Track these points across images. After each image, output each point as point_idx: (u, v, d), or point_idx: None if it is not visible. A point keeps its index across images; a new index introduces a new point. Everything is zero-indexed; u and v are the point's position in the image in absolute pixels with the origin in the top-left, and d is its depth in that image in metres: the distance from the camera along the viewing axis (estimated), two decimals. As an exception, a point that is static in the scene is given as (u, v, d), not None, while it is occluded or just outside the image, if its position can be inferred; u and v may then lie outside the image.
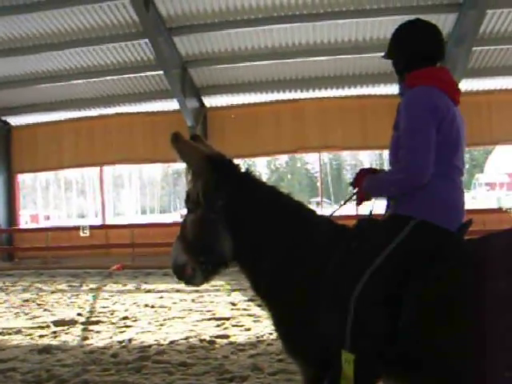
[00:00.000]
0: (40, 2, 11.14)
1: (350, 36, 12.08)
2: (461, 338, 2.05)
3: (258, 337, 5.99)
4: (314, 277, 2.34)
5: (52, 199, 50.43)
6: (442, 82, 2.40)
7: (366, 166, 51.35)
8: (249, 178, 2.64)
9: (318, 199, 40.98)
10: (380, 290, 2.16)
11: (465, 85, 12.60)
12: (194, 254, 2.55)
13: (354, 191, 2.58)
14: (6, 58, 13.10)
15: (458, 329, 2.05)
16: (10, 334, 6.75)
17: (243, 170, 2.65)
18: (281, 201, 2.61)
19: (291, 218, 2.53)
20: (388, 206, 2.51)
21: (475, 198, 30.76)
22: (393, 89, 12.25)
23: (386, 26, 11.01)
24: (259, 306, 6.74)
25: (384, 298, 2.15)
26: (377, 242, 2.27)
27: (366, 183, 2.48)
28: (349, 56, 12.63)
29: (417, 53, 2.46)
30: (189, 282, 2.64)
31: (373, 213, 2.54)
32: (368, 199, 2.55)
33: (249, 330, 6.37)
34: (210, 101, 14.73)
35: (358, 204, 2.56)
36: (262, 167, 57.61)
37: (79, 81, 13.90)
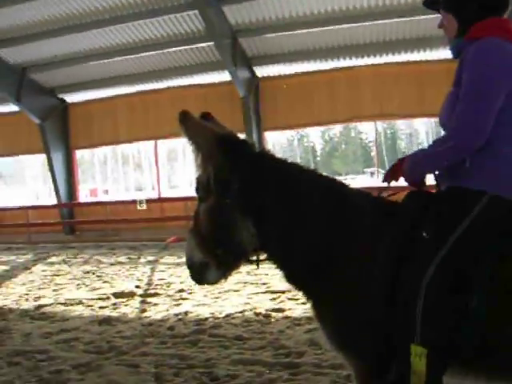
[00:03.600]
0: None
1: (407, -3, 11.47)
2: None
3: (314, 311, 5.89)
4: (363, 261, 2.09)
5: (110, 173, 51.90)
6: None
7: (422, 134, 49.76)
8: (266, 157, 2.34)
9: (372, 169, 40.29)
10: (453, 274, 1.94)
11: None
12: (210, 247, 2.26)
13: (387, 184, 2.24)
14: (60, 38, 13.34)
15: None
16: (72, 304, 7.00)
17: (260, 149, 2.39)
18: (307, 177, 2.28)
19: (323, 195, 2.22)
20: (440, 176, 2.19)
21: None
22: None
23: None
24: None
25: (457, 283, 1.94)
26: (445, 222, 2.02)
27: (408, 164, 2.13)
28: (405, 19, 11.99)
29: (486, 0, 2.13)
30: (205, 281, 2.39)
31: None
32: (416, 183, 2.18)
33: (305, 303, 6.23)
34: (261, 71, 14.47)
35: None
36: (315, 137, 56.95)
37: (131, 56, 13.99)
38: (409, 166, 2.15)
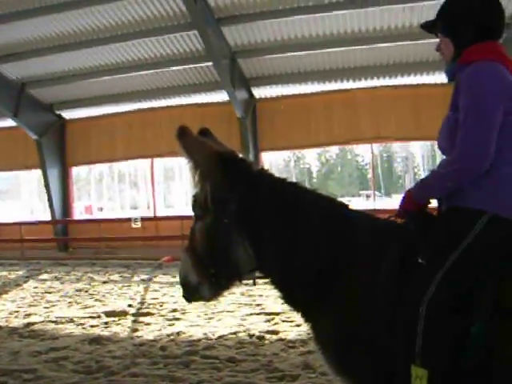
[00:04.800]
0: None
1: (404, 22, 11.58)
2: None
3: (308, 333, 5.80)
4: (364, 283, 2.05)
5: (105, 191, 51.73)
6: (506, 59, 2.12)
7: (418, 157, 49.97)
8: (265, 176, 2.31)
9: (368, 192, 40.30)
10: (453, 294, 1.91)
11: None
12: (204, 266, 2.24)
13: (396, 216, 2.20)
14: (60, 54, 13.42)
15: None
16: (63, 322, 6.90)
17: (258, 168, 2.36)
18: (307, 197, 2.25)
19: (324, 215, 2.20)
20: (441, 197, 2.17)
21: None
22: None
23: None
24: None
25: (458, 302, 1.91)
26: (445, 241, 1.99)
27: (415, 190, 2.13)
28: (402, 43, 12.15)
29: (482, 25, 2.14)
30: (196, 298, 2.36)
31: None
32: (424, 206, 2.17)
33: (299, 326, 6.19)
34: (259, 92, 14.56)
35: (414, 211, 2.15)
36: (312, 159, 57.17)
37: (130, 74, 14.06)
38: (416, 190, 2.14)
